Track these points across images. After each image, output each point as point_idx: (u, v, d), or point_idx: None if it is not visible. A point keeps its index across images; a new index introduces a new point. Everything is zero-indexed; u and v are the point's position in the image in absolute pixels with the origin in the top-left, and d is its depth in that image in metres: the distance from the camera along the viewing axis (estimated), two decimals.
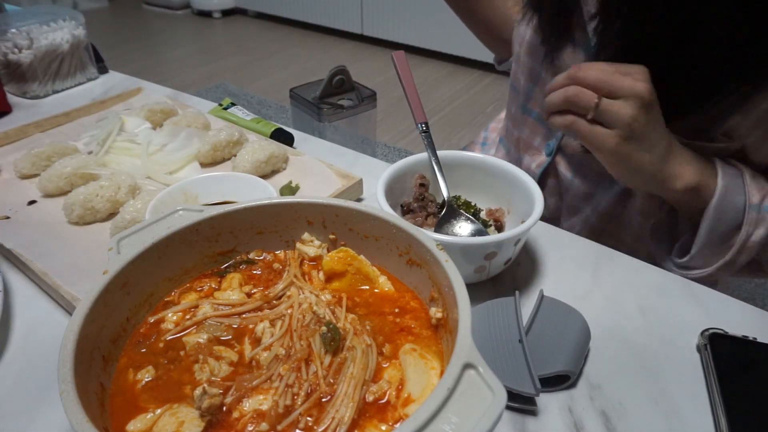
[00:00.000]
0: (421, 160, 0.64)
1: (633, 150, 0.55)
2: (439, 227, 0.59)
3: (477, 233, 0.59)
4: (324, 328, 0.38)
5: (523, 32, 0.82)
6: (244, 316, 0.42)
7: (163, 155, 0.76)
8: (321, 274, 0.46)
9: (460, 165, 0.65)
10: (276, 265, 0.47)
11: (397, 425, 0.33)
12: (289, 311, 0.41)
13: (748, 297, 1.66)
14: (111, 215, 0.66)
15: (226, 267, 0.47)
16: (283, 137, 0.85)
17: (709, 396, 0.46)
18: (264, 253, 0.48)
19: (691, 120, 0.60)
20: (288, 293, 0.44)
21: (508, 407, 0.45)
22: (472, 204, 0.65)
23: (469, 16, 0.96)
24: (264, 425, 0.33)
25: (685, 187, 0.58)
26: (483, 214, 0.65)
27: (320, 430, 0.33)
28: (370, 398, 0.35)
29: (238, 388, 0.35)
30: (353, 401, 0.34)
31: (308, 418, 0.34)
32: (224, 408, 0.34)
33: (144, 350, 0.39)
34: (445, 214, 0.61)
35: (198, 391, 0.34)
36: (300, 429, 0.33)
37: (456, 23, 1.04)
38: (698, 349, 0.51)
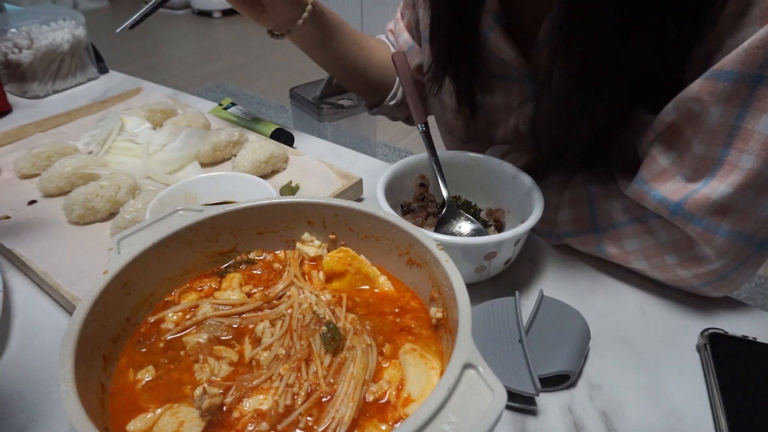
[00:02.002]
0: (421, 160, 0.64)
1: None
2: (439, 227, 0.59)
3: (477, 233, 0.59)
4: (324, 328, 0.39)
5: (438, 106, 0.80)
6: (244, 316, 0.42)
7: (163, 155, 0.76)
8: (321, 274, 0.46)
9: (460, 165, 0.65)
10: (276, 265, 0.47)
11: (397, 425, 0.33)
12: (289, 311, 0.41)
13: (748, 297, 1.66)
14: (111, 215, 0.66)
15: (226, 267, 0.47)
16: (283, 137, 0.85)
17: (709, 396, 0.46)
18: (264, 253, 0.48)
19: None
20: (288, 293, 0.44)
21: (508, 407, 0.45)
22: (472, 204, 0.65)
23: (343, 68, 0.87)
24: (264, 425, 0.33)
25: None
26: (483, 214, 0.65)
27: (320, 430, 0.33)
28: (370, 398, 0.35)
29: (238, 388, 0.35)
30: (353, 401, 0.34)
31: (308, 418, 0.34)
32: (224, 408, 0.34)
33: (144, 350, 0.39)
34: (445, 214, 0.61)
35: (198, 391, 0.34)
36: (300, 429, 0.33)
37: None
38: (698, 349, 0.51)
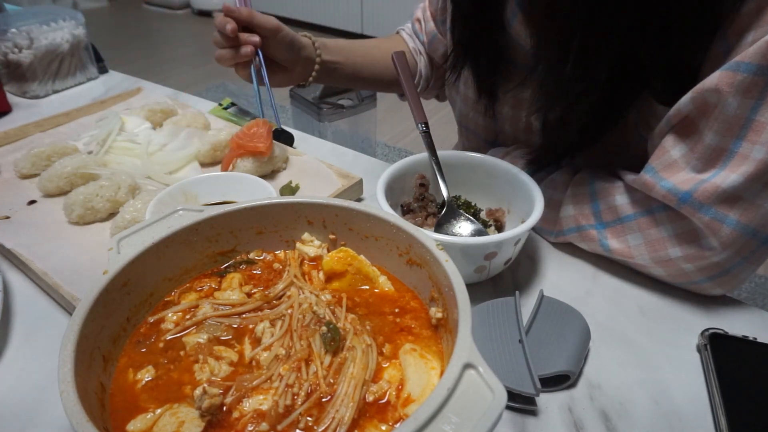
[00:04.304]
0: (421, 160, 0.64)
1: None
2: (439, 227, 0.59)
3: (477, 233, 0.59)
4: (324, 328, 0.38)
5: (455, 96, 0.81)
6: (244, 316, 0.42)
7: (163, 155, 0.76)
8: (321, 274, 0.46)
9: (460, 165, 0.65)
10: (276, 265, 0.47)
11: (397, 425, 0.33)
12: (289, 311, 0.41)
13: (748, 297, 1.66)
14: (111, 215, 0.66)
15: (226, 267, 0.47)
16: (283, 137, 0.85)
17: (709, 396, 0.46)
18: (264, 253, 0.48)
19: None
20: (288, 293, 0.44)
21: (508, 407, 0.45)
22: (472, 204, 0.65)
23: (364, 81, 0.92)
24: (264, 425, 0.33)
25: None
26: (483, 214, 0.65)
27: (320, 430, 0.33)
28: (370, 398, 0.35)
29: (238, 388, 0.35)
30: (353, 401, 0.34)
31: (308, 418, 0.34)
32: (224, 408, 0.34)
33: (144, 350, 0.39)
34: (445, 214, 0.61)
35: (198, 391, 0.34)
36: (300, 429, 0.33)
37: None
38: (698, 349, 0.51)
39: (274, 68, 0.79)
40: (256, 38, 0.74)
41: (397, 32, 0.96)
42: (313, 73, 0.81)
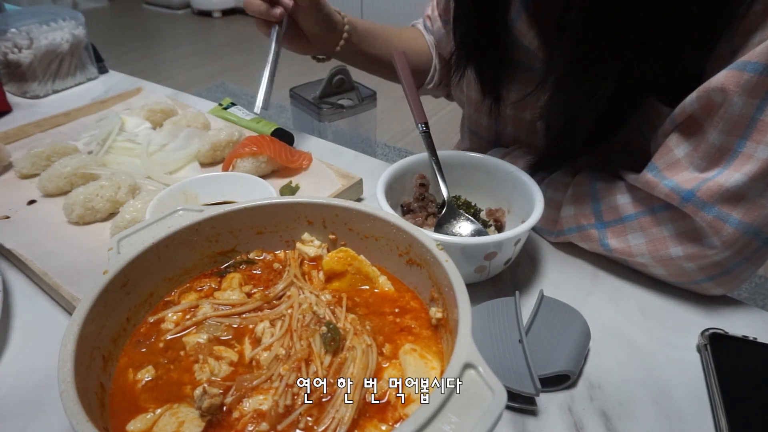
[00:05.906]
0: (421, 160, 0.64)
1: None
2: (439, 227, 0.59)
3: (477, 233, 0.59)
4: (324, 328, 0.39)
5: (460, 95, 0.81)
6: (244, 316, 0.42)
7: (163, 155, 0.76)
8: (321, 274, 0.46)
9: (460, 165, 0.65)
10: (276, 265, 0.47)
11: (397, 425, 0.33)
12: (289, 311, 0.41)
13: (748, 297, 1.66)
14: (111, 215, 0.66)
15: (226, 267, 0.47)
16: (283, 137, 0.85)
17: (709, 396, 0.46)
18: (264, 253, 0.48)
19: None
20: (288, 293, 0.44)
21: (508, 407, 0.45)
22: (472, 204, 0.65)
23: (375, 62, 0.92)
24: (264, 425, 0.33)
25: None
26: (483, 214, 0.65)
27: (320, 430, 0.33)
28: (370, 398, 0.35)
29: (238, 388, 0.35)
30: (353, 401, 0.34)
31: (308, 418, 0.34)
32: (224, 408, 0.34)
33: (144, 350, 0.39)
34: (445, 214, 0.61)
35: (198, 391, 0.34)
36: (300, 429, 0.33)
37: None
38: (698, 349, 0.51)
39: (298, 34, 0.80)
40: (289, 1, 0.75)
41: (413, 25, 0.96)
42: (338, 48, 0.82)
